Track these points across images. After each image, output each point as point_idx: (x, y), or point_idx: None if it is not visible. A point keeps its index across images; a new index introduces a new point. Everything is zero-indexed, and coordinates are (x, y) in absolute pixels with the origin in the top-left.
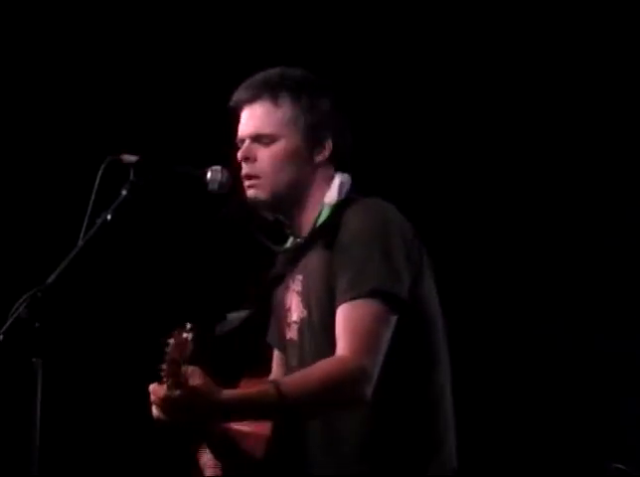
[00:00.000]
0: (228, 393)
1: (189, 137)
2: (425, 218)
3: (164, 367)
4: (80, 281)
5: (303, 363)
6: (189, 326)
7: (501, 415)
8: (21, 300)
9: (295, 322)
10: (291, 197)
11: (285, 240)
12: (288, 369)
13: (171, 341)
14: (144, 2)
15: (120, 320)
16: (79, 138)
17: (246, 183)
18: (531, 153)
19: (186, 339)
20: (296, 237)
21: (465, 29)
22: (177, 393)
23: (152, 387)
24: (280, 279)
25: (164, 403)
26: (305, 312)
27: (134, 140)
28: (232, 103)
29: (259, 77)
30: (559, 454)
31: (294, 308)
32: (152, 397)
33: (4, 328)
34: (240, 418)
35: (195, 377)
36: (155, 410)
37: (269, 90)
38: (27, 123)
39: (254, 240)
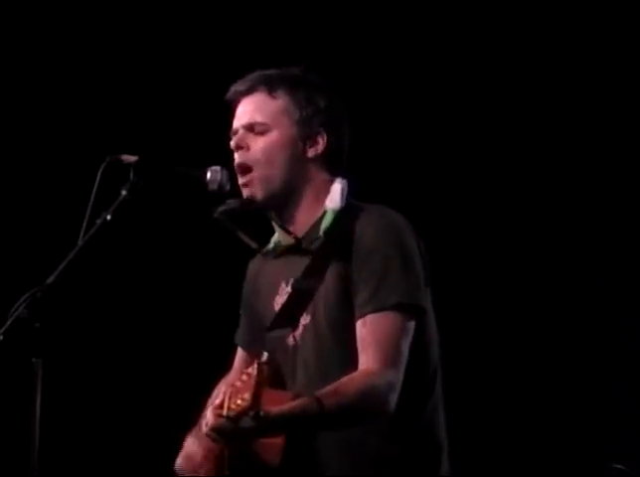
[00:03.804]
0: (277, 410)
1: (189, 137)
2: (421, 221)
3: (246, 397)
4: (79, 281)
5: (306, 367)
6: (266, 356)
7: (501, 416)
8: (21, 300)
9: None
10: (285, 190)
11: (268, 240)
12: (279, 370)
13: (251, 372)
14: (144, 2)
15: (120, 320)
16: (79, 138)
17: (240, 180)
18: (528, 154)
19: (265, 371)
20: (291, 235)
21: (465, 29)
22: (252, 424)
23: (217, 417)
24: (309, 282)
25: (233, 433)
26: (308, 318)
27: (134, 140)
28: (228, 96)
29: (258, 72)
30: (559, 454)
31: None
32: (217, 428)
33: (4, 328)
34: (282, 433)
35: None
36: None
37: (266, 83)
38: (27, 123)
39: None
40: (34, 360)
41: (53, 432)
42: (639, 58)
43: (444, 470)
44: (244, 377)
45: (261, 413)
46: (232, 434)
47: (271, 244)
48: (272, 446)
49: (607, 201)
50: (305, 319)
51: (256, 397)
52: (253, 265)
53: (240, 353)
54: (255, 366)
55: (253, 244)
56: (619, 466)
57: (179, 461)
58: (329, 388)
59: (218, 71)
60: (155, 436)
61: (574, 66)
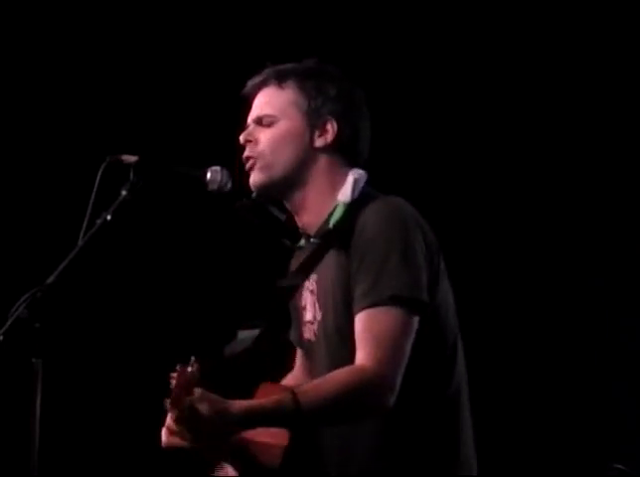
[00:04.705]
0: (241, 405)
1: (189, 137)
2: (436, 215)
3: (169, 402)
4: (80, 282)
5: (319, 364)
6: (192, 360)
7: (501, 415)
8: (21, 300)
9: (310, 322)
10: (287, 179)
11: (298, 239)
12: (307, 368)
13: (175, 375)
14: (144, 2)
15: (120, 320)
16: (78, 138)
17: (246, 166)
18: (530, 154)
19: (191, 373)
20: (304, 230)
21: (473, 27)
22: (180, 428)
23: (170, 420)
24: (296, 279)
25: (181, 434)
26: (320, 314)
27: (134, 140)
28: (245, 91)
29: (272, 65)
30: (559, 454)
31: (309, 308)
32: (170, 429)
33: (4, 328)
34: (257, 427)
35: (202, 400)
36: (169, 438)
37: (277, 75)
38: (27, 123)
39: (258, 240)
40: (34, 360)
41: (53, 432)
42: (639, 58)
43: (462, 469)
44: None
45: (178, 414)
46: (183, 435)
47: (303, 240)
48: (274, 449)
49: (607, 201)
50: (318, 315)
51: (174, 400)
52: (292, 261)
53: (297, 349)
54: (178, 370)
55: (287, 242)
56: (619, 466)
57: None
58: (311, 383)
59: (218, 71)
60: (155, 436)
61: (581, 66)
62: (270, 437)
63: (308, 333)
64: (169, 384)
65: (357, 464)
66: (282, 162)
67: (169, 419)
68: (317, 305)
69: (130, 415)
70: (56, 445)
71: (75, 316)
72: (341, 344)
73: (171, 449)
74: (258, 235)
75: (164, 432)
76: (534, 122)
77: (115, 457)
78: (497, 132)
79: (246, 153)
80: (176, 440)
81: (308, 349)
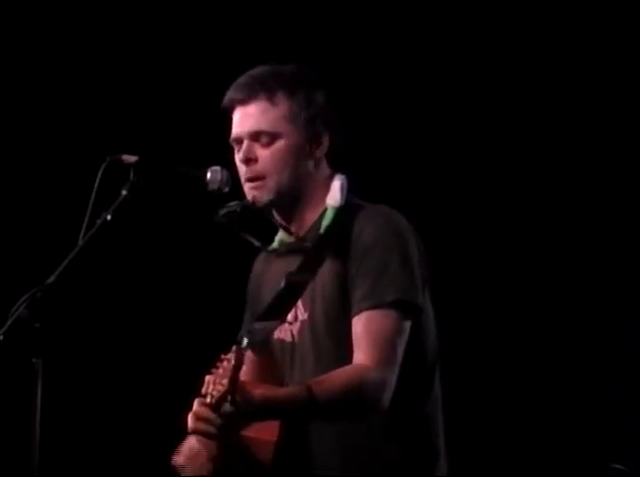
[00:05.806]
0: (260, 393)
1: (189, 137)
2: (420, 221)
3: (224, 382)
4: (80, 281)
5: (301, 364)
6: (245, 341)
7: (501, 415)
8: (21, 300)
9: (288, 322)
10: (295, 193)
11: (272, 240)
12: (277, 368)
13: (229, 357)
14: (144, 2)
15: (120, 320)
16: (78, 138)
17: (250, 184)
18: (528, 154)
19: (243, 356)
20: (293, 234)
21: (465, 28)
22: (231, 409)
23: (199, 406)
24: (304, 277)
25: (215, 420)
26: (306, 314)
27: (134, 140)
28: (225, 103)
29: (253, 75)
30: (559, 454)
31: None
32: (198, 415)
33: (4, 328)
34: (269, 418)
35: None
36: (195, 424)
37: (264, 89)
38: (27, 123)
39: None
40: (34, 360)
41: (53, 432)
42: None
43: (442, 471)
44: (225, 363)
45: (238, 398)
46: (215, 422)
47: (275, 243)
48: (265, 445)
49: (607, 201)
50: (303, 315)
51: (233, 381)
52: (258, 264)
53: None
54: (234, 350)
55: (257, 243)
56: (619, 466)
57: (180, 458)
58: (320, 377)
59: (217, 70)
60: (155, 436)
61: (575, 66)
62: (257, 432)
63: (282, 333)
64: (214, 364)
65: (347, 461)
66: (289, 179)
67: (196, 405)
68: (300, 306)
69: (130, 415)
70: (56, 445)
71: (75, 316)
72: (331, 344)
73: (196, 434)
74: (232, 240)
75: (190, 418)
76: (531, 121)
77: (115, 457)
78: (493, 131)
79: (250, 174)
80: (202, 426)
81: (282, 348)
